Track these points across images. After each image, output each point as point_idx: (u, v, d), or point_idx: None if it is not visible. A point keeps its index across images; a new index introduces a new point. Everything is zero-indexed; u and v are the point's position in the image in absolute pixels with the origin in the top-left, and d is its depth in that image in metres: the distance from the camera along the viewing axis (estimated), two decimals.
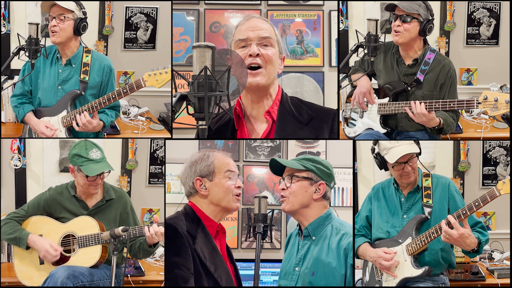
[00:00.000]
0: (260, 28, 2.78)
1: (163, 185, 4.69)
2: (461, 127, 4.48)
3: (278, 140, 4.81)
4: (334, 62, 4.92)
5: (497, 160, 4.79)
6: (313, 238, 2.99)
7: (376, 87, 3.92)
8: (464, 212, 3.23)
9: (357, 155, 4.68)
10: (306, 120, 2.84)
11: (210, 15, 4.91)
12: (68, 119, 3.78)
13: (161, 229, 3.37)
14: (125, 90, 3.64)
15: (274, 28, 2.83)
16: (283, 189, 3.01)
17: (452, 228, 3.22)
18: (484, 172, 4.79)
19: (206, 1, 4.93)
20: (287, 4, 4.94)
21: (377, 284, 3.55)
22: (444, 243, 3.43)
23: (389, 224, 3.57)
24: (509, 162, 4.75)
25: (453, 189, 3.51)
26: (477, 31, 4.88)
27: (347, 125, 4.03)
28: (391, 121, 3.84)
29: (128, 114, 4.73)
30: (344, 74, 4.26)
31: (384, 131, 3.83)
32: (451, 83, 3.75)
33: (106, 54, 4.83)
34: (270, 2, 4.93)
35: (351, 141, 4.14)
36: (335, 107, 3.92)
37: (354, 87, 3.99)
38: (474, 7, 4.87)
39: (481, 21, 4.87)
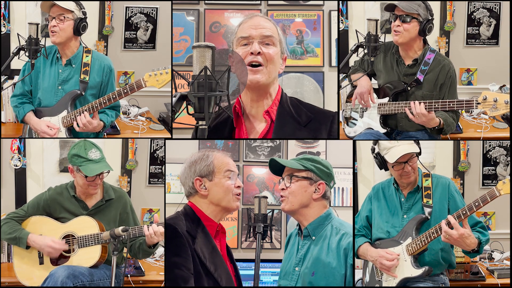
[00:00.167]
0: (263, 27, 2.78)
1: (163, 185, 4.69)
2: (461, 127, 4.48)
3: (278, 140, 4.81)
4: (334, 62, 4.92)
5: (497, 160, 4.79)
6: (313, 238, 2.98)
7: (376, 87, 3.93)
8: (464, 212, 3.23)
9: (357, 155, 4.68)
10: (304, 122, 2.84)
11: (210, 15, 4.91)
12: (68, 119, 3.78)
13: (161, 229, 3.37)
14: (125, 91, 3.64)
15: (277, 27, 2.83)
16: (283, 189, 3.01)
17: (452, 228, 3.22)
18: (484, 172, 4.79)
19: (206, 1, 4.93)
20: (287, 4, 4.94)
21: (377, 284, 3.55)
22: (444, 243, 3.43)
23: (389, 224, 3.57)
24: (509, 162, 4.75)
25: (453, 189, 3.51)
26: (477, 31, 4.88)
27: (348, 125, 4.04)
28: (391, 121, 3.84)
29: (128, 114, 4.73)
30: (344, 74, 4.26)
31: (384, 131, 3.84)
32: (451, 83, 3.75)
33: (106, 54, 4.83)
34: (270, 2, 4.93)
35: (351, 141, 4.14)
36: (335, 107, 3.93)
37: (354, 87, 3.99)
38: (474, 7, 4.87)
39: (481, 21, 4.87)
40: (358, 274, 3.78)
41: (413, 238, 3.42)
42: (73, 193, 3.71)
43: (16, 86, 4.02)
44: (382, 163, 3.58)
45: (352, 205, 4.73)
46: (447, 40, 4.88)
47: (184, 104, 2.42)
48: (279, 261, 3.24)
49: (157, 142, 4.75)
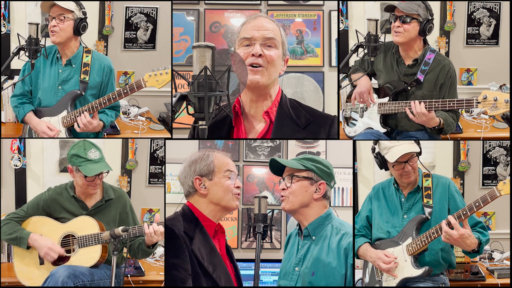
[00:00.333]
0: (266, 28, 2.78)
1: (163, 185, 4.69)
2: (461, 127, 4.48)
3: (278, 140, 4.81)
4: (334, 62, 4.92)
5: (497, 160, 4.79)
6: (313, 238, 2.99)
7: (376, 86, 3.93)
8: (464, 212, 3.23)
9: (357, 155, 4.68)
10: (303, 124, 2.84)
11: (210, 15, 4.91)
12: (68, 119, 3.78)
13: (161, 228, 3.37)
14: (125, 91, 3.64)
15: (280, 29, 2.83)
16: (283, 189, 3.01)
17: (452, 228, 3.22)
18: (484, 172, 4.79)
19: (206, 1, 4.93)
20: (287, 4, 4.94)
21: (377, 284, 3.55)
22: (444, 243, 3.43)
23: (390, 224, 3.57)
24: (509, 162, 4.75)
25: (453, 189, 3.51)
26: (477, 31, 4.88)
27: (348, 125, 4.04)
28: (391, 121, 3.84)
29: (128, 114, 4.73)
30: (344, 74, 4.26)
31: (384, 130, 3.84)
32: (451, 83, 3.75)
33: (106, 54, 4.83)
34: (270, 2, 4.93)
35: (351, 141, 4.14)
36: (335, 107, 3.93)
37: (354, 87, 3.99)
38: (474, 7, 4.87)
39: (481, 21, 4.87)
40: (358, 274, 3.78)
41: (413, 238, 3.42)
42: (72, 193, 3.71)
43: (16, 86, 4.02)
44: (382, 163, 3.58)
45: (352, 205, 4.73)
46: (447, 40, 4.88)
47: (184, 104, 2.42)
48: (279, 261, 3.24)
49: (157, 142, 4.75)
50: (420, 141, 3.55)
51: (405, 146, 3.49)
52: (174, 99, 2.39)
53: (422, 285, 3.42)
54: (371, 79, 3.97)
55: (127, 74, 4.90)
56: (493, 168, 4.79)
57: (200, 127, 2.39)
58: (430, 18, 3.72)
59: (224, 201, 2.89)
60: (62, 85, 3.87)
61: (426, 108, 3.52)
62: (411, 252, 3.41)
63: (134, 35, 4.91)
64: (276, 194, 4.79)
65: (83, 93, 3.83)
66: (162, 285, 4.14)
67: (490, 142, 4.74)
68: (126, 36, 4.91)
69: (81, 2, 3.84)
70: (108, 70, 3.92)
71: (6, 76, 4.59)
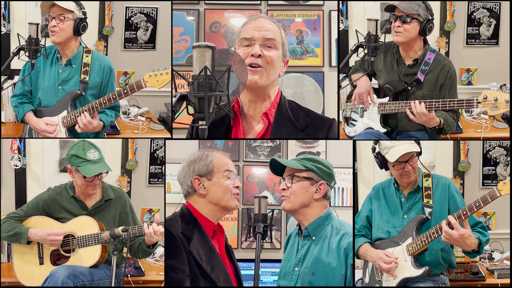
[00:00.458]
0: (266, 29, 2.77)
1: (163, 185, 4.69)
2: (461, 127, 4.48)
3: (278, 140, 4.81)
4: (334, 62, 4.92)
5: (497, 160, 4.79)
6: (313, 238, 2.98)
7: (376, 87, 3.93)
8: (464, 212, 3.23)
9: (357, 155, 4.68)
10: (302, 126, 2.83)
11: (210, 15, 4.91)
12: (68, 119, 3.78)
13: (161, 228, 3.36)
14: (125, 91, 3.64)
15: (280, 30, 2.82)
16: (284, 189, 3.01)
17: (452, 228, 3.22)
18: (484, 172, 4.79)
19: (206, 1, 4.93)
20: (287, 4, 4.94)
21: (377, 284, 3.55)
22: (444, 243, 3.43)
23: (390, 224, 3.57)
24: (509, 162, 4.75)
25: (453, 190, 3.51)
26: (477, 31, 4.88)
27: (348, 125, 4.04)
28: (391, 121, 3.84)
29: (128, 114, 4.73)
30: (344, 74, 4.26)
31: (384, 130, 3.84)
32: (451, 83, 3.75)
33: (106, 54, 4.83)
34: (270, 2, 4.93)
35: (351, 141, 4.14)
36: (335, 107, 3.93)
37: (354, 87, 3.99)
38: (474, 7, 4.87)
39: (481, 21, 4.87)
40: (358, 274, 3.78)
41: (413, 238, 3.42)
42: (72, 193, 3.71)
43: (16, 86, 4.02)
44: (382, 163, 3.58)
45: (352, 205, 4.73)
46: (447, 40, 4.88)
47: (184, 104, 2.42)
48: (279, 261, 3.24)
49: (157, 142, 4.75)
50: (420, 141, 3.55)
51: (405, 146, 3.49)
52: (174, 99, 2.39)
53: (422, 285, 3.42)
54: (371, 79, 3.97)
55: (127, 74, 4.90)
56: (493, 168, 4.79)
57: (200, 127, 2.39)
58: (430, 18, 3.72)
59: (223, 201, 2.89)
60: (62, 85, 3.87)
61: (426, 108, 3.52)
62: (411, 252, 3.41)
63: (134, 35, 4.91)
64: (276, 194, 4.79)
65: (83, 93, 3.83)
66: (162, 285, 4.14)
67: (490, 142, 4.73)
68: (126, 36, 4.91)
69: (81, 2, 3.84)
70: (108, 70, 3.92)
71: (6, 76, 4.59)
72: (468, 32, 4.88)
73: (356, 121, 3.99)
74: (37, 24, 3.74)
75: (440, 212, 3.45)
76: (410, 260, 3.42)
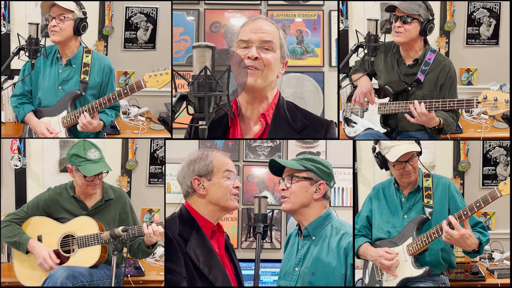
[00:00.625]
0: (264, 31, 2.76)
1: (163, 185, 4.69)
2: (461, 127, 4.48)
3: (278, 140, 4.81)
4: (334, 62, 4.92)
5: (497, 160, 4.78)
6: (313, 238, 2.98)
7: (377, 87, 3.93)
8: (465, 212, 3.23)
9: (357, 155, 4.68)
10: (299, 128, 2.82)
11: (210, 15, 4.91)
12: (68, 119, 3.78)
13: (160, 228, 3.36)
14: (125, 91, 3.64)
15: (279, 31, 2.80)
16: (284, 189, 3.01)
17: (453, 228, 3.22)
18: (484, 172, 4.79)
19: (206, 1, 4.93)
20: (287, 4, 4.94)
21: (377, 284, 3.55)
22: (444, 243, 3.43)
23: (390, 224, 3.56)
24: (509, 162, 4.75)
25: (453, 190, 3.51)
26: (477, 31, 4.88)
27: (348, 125, 4.04)
28: (391, 121, 3.84)
29: (128, 114, 4.73)
30: (344, 74, 4.26)
31: (384, 130, 3.84)
32: (451, 84, 3.75)
33: (106, 54, 4.83)
34: (270, 2, 4.93)
35: (351, 141, 4.14)
36: (335, 107, 3.93)
37: (354, 87, 3.99)
38: (474, 7, 4.87)
39: (481, 21, 4.87)
40: (358, 274, 3.78)
41: (413, 238, 3.42)
42: (72, 193, 3.71)
43: (16, 86, 4.02)
44: (383, 163, 3.58)
45: (352, 205, 4.73)
46: (447, 40, 4.88)
47: (184, 104, 2.42)
48: (279, 261, 3.24)
49: (157, 142, 4.75)
50: (420, 141, 3.55)
51: (405, 146, 3.49)
52: (174, 99, 2.39)
53: (422, 285, 3.42)
54: (371, 79, 3.97)
55: (127, 74, 4.90)
56: (493, 168, 4.79)
57: (200, 127, 2.39)
58: (430, 18, 3.72)
59: (223, 201, 2.88)
60: (62, 85, 3.86)
61: (426, 108, 3.52)
62: (412, 252, 3.41)
63: (134, 35, 4.91)
64: (276, 194, 4.79)
65: (83, 93, 3.83)
66: (162, 285, 4.14)
67: (490, 142, 4.73)
68: (126, 36, 4.91)
69: (81, 2, 3.84)
70: (108, 70, 3.92)
71: (6, 76, 4.59)
72: (468, 32, 4.88)
73: (356, 122, 3.99)
74: (37, 24, 3.74)
75: (440, 212, 3.45)
76: (410, 260, 3.42)
